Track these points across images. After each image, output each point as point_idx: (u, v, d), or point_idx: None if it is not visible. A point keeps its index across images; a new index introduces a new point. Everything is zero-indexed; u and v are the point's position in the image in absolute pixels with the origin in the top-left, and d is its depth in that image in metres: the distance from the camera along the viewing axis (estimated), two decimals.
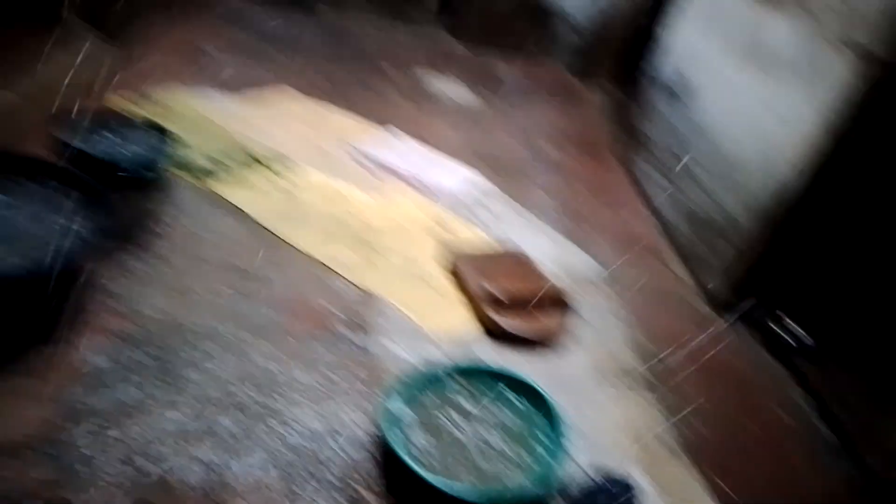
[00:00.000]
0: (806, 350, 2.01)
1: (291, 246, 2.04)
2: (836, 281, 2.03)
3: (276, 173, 2.35)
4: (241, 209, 2.13)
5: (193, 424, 1.39)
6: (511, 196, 2.65)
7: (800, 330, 2.03)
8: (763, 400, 1.87)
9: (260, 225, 2.09)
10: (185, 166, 2.24)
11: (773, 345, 2.06)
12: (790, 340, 2.03)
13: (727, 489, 1.55)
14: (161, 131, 2.15)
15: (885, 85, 1.79)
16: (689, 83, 2.76)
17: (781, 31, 2.19)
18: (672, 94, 2.89)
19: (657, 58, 3.13)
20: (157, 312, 1.65)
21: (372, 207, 2.33)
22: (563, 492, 1.43)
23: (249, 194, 2.20)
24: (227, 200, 2.15)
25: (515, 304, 1.92)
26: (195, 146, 2.34)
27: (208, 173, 2.25)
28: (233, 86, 2.89)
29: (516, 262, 2.15)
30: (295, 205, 2.23)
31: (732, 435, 1.73)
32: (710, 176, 2.46)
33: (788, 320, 2.06)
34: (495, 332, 1.87)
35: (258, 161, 2.38)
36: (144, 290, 1.71)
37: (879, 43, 1.78)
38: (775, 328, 2.08)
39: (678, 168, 2.68)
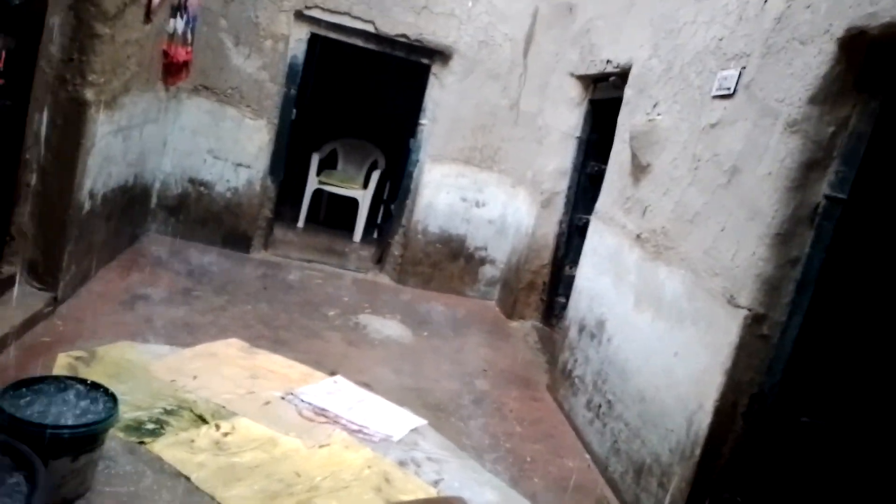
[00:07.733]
0: None
1: None
2: None
3: (218, 429, 2.23)
4: (178, 471, 1.98)
5: None
6: (448, 437, 2.56)
7: None
8: None
9: (198, 487, 1.94)
10: (127, 427, 2.11)
11: None
12: None
13: None
14: (104, 392, 2.03)
15: (757, 327, 1.94)
16: (603, 323, 2.85)
17: (674, 282, 2.35)
18: (588, 332, 2.98)
19: (573, 297, 3.27)
20: None
21: (312, 461, 2.20)
22: None
23: (188, 454, 2.06)
24: (164, 462, 2.00)
25: None
26: (138, 405, 2.23)
27: (150, 433, 2.12)
28: (179, 338, 2.84)
29: None
30: (234, 462, 2.09)
31: None
32: (631, 413, 2.45)
33: None
34: None
35: (201, 418, 2.27)
36: None
37: (753, 300, 1.93)
38: None
39: (603, 406, 2.69)
